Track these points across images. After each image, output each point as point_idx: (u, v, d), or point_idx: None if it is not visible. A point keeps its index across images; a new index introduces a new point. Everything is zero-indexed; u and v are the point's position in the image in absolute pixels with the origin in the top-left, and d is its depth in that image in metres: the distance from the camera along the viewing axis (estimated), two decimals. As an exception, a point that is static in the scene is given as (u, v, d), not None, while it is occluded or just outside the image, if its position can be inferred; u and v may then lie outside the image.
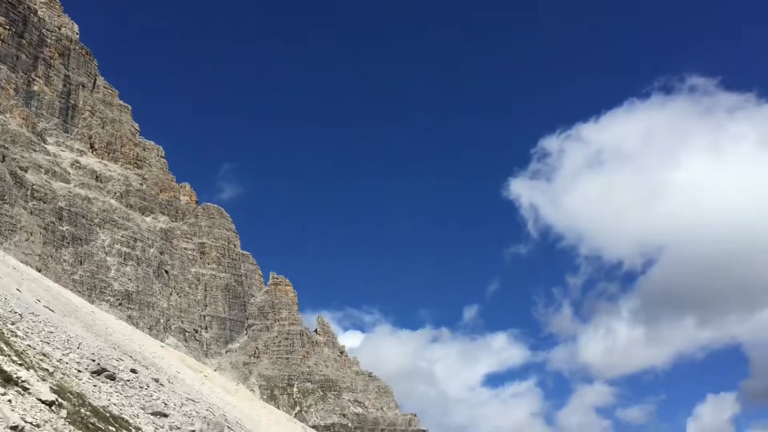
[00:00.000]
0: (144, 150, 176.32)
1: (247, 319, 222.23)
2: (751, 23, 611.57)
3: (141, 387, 41.63)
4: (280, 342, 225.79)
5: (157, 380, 50.85)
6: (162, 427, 34.27)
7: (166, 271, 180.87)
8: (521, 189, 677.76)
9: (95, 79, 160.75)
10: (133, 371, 45.76)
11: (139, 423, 31.61)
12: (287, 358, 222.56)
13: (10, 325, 34.76)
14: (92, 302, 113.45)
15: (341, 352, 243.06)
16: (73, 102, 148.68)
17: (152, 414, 35.34)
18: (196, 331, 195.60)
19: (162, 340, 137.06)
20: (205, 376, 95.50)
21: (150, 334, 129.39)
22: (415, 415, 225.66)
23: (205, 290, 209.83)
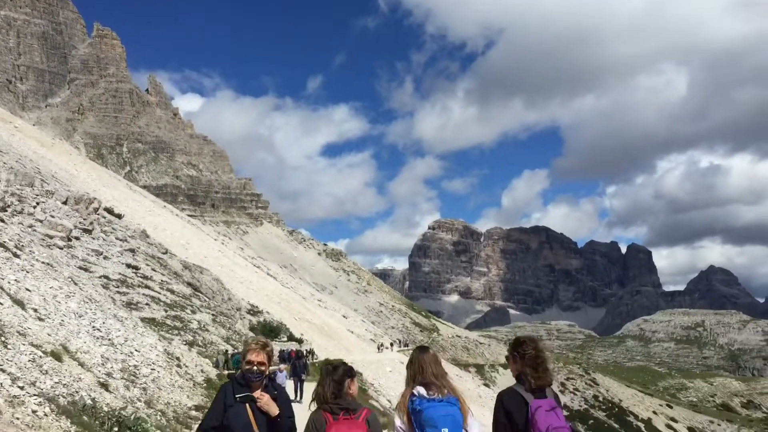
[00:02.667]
0: None
1: (69, 73, 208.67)
2: None
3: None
4: (107, 100, 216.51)
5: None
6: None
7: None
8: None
9: None
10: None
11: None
12: (116, 117, 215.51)
13: None
14: None
15: (175, 114, 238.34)
16: None
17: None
18: (10, 82, 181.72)
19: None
20: (15, 127, 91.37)
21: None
22: (250, 180, 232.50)
23: (18, 37, 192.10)
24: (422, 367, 5.14)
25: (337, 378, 5.03)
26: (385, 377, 44.00)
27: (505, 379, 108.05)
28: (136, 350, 12.02)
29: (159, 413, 10.17)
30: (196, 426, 11.56)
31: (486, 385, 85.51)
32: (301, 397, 22.85)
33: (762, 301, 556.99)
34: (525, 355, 5.31)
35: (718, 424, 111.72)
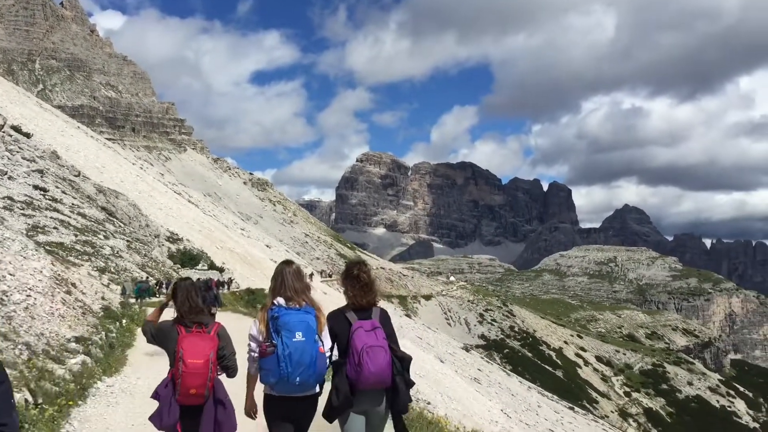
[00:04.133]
0: None
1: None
2: None
3: None
4: (17, 11, 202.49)
5: None
6: None
7: None
8: None
9: None
10: None
11: None
12: (27, 31, 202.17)
13: None
14: None
15: (92, 31, 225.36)
16: None
17: None
18: None
19: None
20: None
21: None
22: (173, 104, 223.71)
23: None
24: (284, 281, 5.33)
25: (189, 293, 5.34)
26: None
27: (427, 309, 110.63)
28: (10, 274, 10.96)
29: (23, 346, 9.27)
30: (73, 360, 10.78)
31: (408, 315, 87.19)
32: None
33: (670, 239, 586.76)
34: (351, 277, 5.63)
35: (624, 354, 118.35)
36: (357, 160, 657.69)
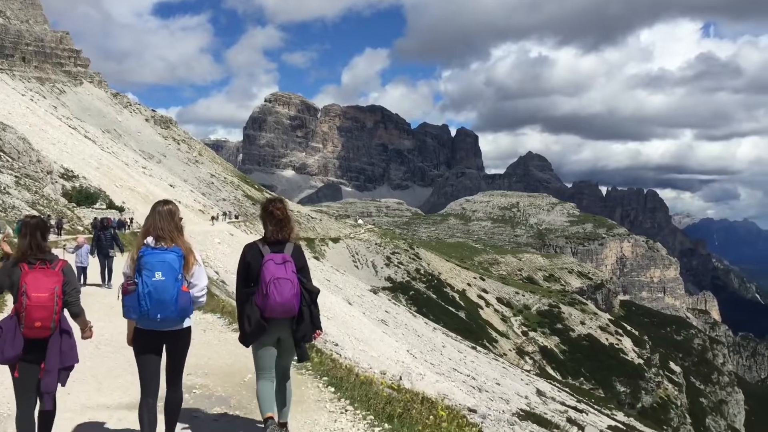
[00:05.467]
0: None
1: None
2: None
3: None
4: None
5: None
6: None
7: None
8: None
9: None
10: None
11: None
12: None
13: None
14: None
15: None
16: None
17: None
18: None
19: None
20: None
21: None
22: (67, 33, 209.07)
23: None
24: (154, 221, 5.42)
25: (35, 231, 5.24)
26: (213, 248, 42.79)
27: (335, 252, 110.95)
28: None
29: None
30: None
31: (316, 258, 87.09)
32: (109, 280, 18.23)
33: (569, 186, 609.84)
34: (267, 213, 5.96)
35: (523, 295, 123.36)
36: (265, 101, 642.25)
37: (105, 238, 18.94)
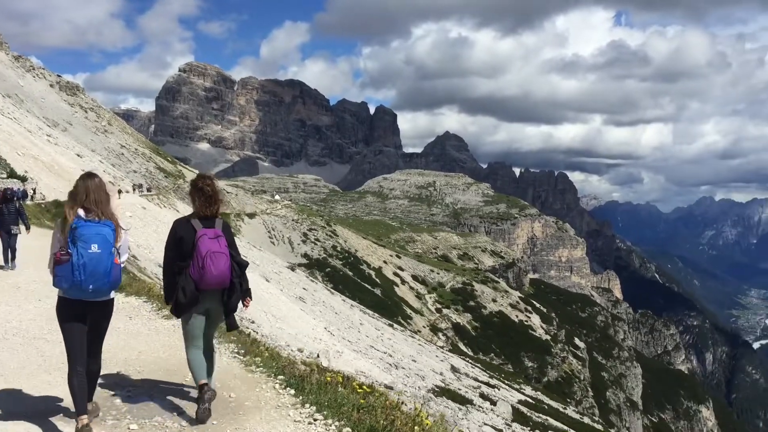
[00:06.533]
0: None
1: None
2: None
3: None
4: None
5: None
6: None
7: None
8: None
9: None
10: None
11: None
12: None
13: None
14: None
15: None
16: None
17: None
18: None
19: None
20: None
21: None
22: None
23: None
24: (86, 193, 5.60)
25: None
26: (124, 222, 41.10)
27: (251, 228, 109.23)
28: None
29: None
30: None
31: (234, 235, 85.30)
32: (13, 260, 15.49)
33: (485, 166, 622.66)
34: (197, 189, 6.27)
35: (437, 273, 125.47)
36: (180, 70, 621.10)
37: (8, 212, 16.79)
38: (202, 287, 5.95)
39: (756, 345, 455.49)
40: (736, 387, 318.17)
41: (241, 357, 6.17)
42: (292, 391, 6.74)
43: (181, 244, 6.08)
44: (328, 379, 7.15)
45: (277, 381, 7.06)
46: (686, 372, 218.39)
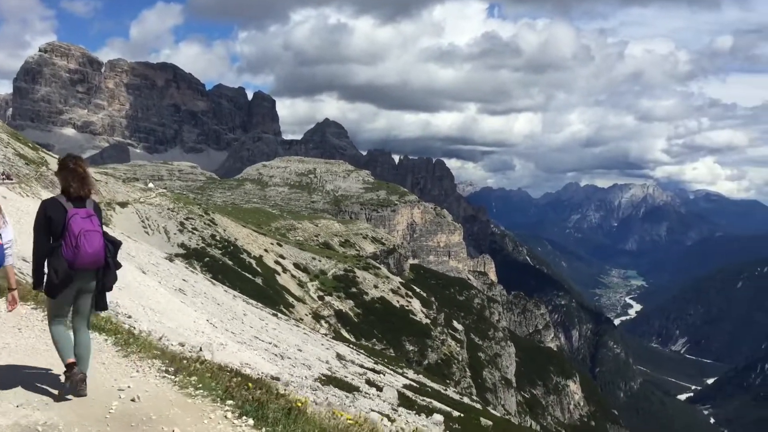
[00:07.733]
0: None
1: None
2: None
3: None
4: None
5: None
6: None
7: None
8: None
9: None
10: None
11: None
12: None
13: None
14: None
15: None
16: None
17: None
18: None
19: None
20: None
21: None
22: None
23: None
24: None
25: None
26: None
27: (123, 217, 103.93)
28: None
29: None
30: None
31: (105, 224, 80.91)
32: None
33: (364, 153, 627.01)
34: (68, 170, 6.20)
35: (319, 260, 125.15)
36: (41, 50, 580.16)
37: None
38: (77, 267, 5.86)
39: (617, 321, 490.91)
40: (600, 361, 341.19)
41: (172, 377, 5.28)
42: (251, 422, 5.45)
43: (50, 225, 5.96)
44: (298, 405, 5.83)
45: (227, 407, 5.73)
46: (555, 349, 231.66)
